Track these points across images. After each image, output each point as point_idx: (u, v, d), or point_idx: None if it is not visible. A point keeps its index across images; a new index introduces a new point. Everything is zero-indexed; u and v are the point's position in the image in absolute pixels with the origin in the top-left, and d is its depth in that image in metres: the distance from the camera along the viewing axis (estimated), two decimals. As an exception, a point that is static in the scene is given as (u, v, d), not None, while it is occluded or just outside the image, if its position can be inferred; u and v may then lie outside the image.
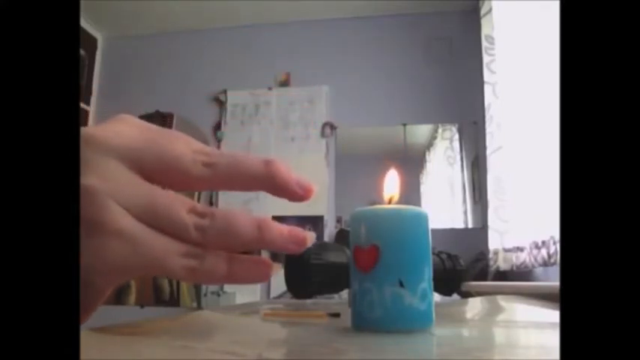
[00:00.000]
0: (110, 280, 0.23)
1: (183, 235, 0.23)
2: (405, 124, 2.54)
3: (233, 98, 2.70)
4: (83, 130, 0.23)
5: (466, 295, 1.00)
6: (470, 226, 2.40)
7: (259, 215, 0.25)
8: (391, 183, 0.37)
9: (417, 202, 2.42)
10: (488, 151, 2.04)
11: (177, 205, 0.23)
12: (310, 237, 0.26)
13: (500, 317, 0.54)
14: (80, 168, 0.22)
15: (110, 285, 0.24)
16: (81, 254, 0.21)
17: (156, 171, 0.24)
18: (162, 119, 2.74)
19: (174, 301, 2.50)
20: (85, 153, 0.23)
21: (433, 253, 0.71)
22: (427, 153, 2.56)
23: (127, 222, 0.22)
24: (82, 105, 2.62)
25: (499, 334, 0.36)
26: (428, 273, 0.33)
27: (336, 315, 0.44)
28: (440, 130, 2.53)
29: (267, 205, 2.47)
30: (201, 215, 0.23)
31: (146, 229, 0.22)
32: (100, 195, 0.22)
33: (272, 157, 0.26)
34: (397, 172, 0.38)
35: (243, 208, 2.51)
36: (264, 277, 0.25)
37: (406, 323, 0.32)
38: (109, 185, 0.22)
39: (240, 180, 0.25)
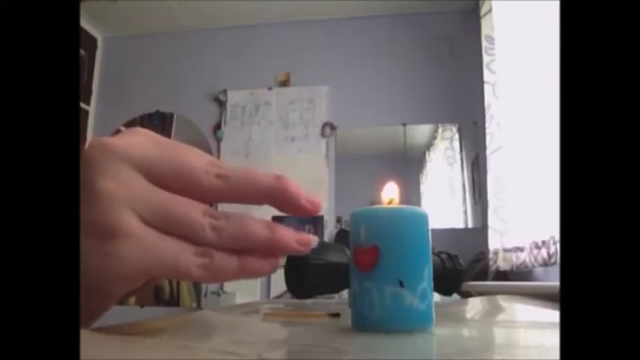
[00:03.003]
0: (122, 284, 0.23)
1: (200, 236, 0.23)
2: (405, 124, 2.54)
3: (233, 98, 2.70)
4: (98, 138, 0.24)
5: (466, 295, 1.00)
6: (470, 226, 2.40)
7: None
8: (390, 192, 0.37)
9: (417, 202, 2.42)
10: (488, 151, 2.03)
11: (193, 207, 0.24)
12: (314, 240, 0.27)
13: (500, 317, 0.54)
14: (95, 172, 0.23)
15: (122, 289, 0.24)
16: (93, 258, 0.21)
17: (169, 181, 0.24)
18: (162, 119, 2.74)
19: (174, 301, 2.50)
20: (101, 158, 0.23)
21: (433, 253, 0.71)
22: (427, 153, 2.56)
23: (138, 226, 0.22)
24: (82, 105, 2.62)
25: (499, 334, 0.36)
26: (428, 273, 0.33)
27: (336, 315, 0.44)
28: (440, 130, 2.53)
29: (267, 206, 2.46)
30: (216, 217, 0.24)
31: (158, 233, 0.23)
32: (113, 199, 0.22)
33: (281, 174, 0.27)
34: (396, 182, 0.38)
35: (245, 210, 2.51)
36: (274, 266, 0.26)
37: (406, 323, 0.32)
38: (123, 190, 0.22)
39: (250, 193, 0.26)
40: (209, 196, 0.25)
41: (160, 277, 0.25)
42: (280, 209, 0.27)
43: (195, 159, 0.25)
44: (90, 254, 0.22)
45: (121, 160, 0.23)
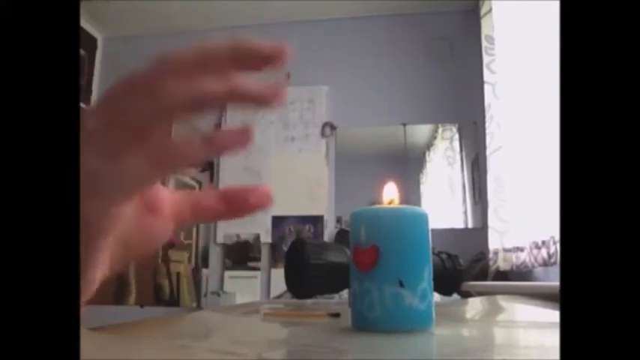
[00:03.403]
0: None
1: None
2: (405, 124, 2.54)
3: (233, 98, 2.69)
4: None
5: (466, 295, 1.00)
6: (470, 226, 2.40)
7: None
8: (390, 192, 0.37)
9: (417, 202, 2.42)
10: (488, 151, 2.03)
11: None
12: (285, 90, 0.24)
13: (500, 317, 0.54)
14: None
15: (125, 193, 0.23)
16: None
17: (124, 93, 0.24)
18: (162, 119, 2.73)
19: (174, 301, 2.50)
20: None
21: (433, 253, 0.71)
22: (427, 153, 2.56)
23: (90, 159, 0.22)
24: (82, 105, 2.62)
25: (499, 334, 0.36)
26: (428, 273, 0.33)
27: (336, 315, 0.44)
28: (440, 130, 2.53)
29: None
30: None
31: (107, 160, 0.22)
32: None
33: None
34: (396, 182, 0.38)
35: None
36: (248, 135, 0.24)
37: (406, 323, 0.32)
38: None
39: (206, 60, 0.24)
40: (163, 86, 0.23)
41: (123, 199, 0.24)
42: (246, 67, 0.24)
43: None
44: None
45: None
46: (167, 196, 0.27)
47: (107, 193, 0.22)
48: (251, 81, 0.23)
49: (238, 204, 0.28)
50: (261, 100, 0.24)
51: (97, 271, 0.24)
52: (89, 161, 0.22)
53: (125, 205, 0.24)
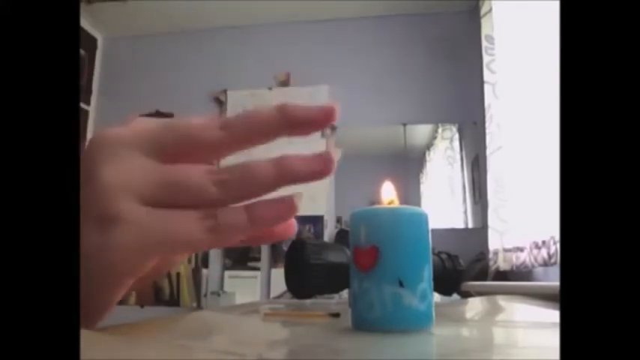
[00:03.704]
0: (125, 270, 0.23)
1: (203, 194, 0.23)
2: (405, 124, 2.54)
3: (233, 98, 2.70)
4: (100, 130, 0.24)
5: (466, 295, 1.01)
6: (470, 226, 2.40)
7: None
8: (389, 192, 0.37)
9: (417, 202, 2.42)
10: (488, 151, 2.03)
11: (193, 170, 0.23)
12: (336, 155, 0.25)
13: (500, 317, 0.54)
14: (97, 161, 0.23)
15: (127, 276, 0.23)
16: (94, 247, 0.22)
17: (172, 147, 0.24)
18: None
19: (174, 301, 2.50)
20: (102, 146, 0.23)
21: (433, 253, 0.72)
22: (427, 153, 2.56)
23: (137, 210, 0.22)
24: (82, 105, 2.62)
25: (499, 334, 0.36)
26: (428, 273, 0.33)
27: (336, 315, 0.44)
28: (440, 130, 2.53)
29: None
30: (218, 172, 0.23)
31: (160, 211, 0.22)
32: (112, 187, 0.22)
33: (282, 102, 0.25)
34: (393, 182, 0.38)
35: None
36: (291, 211, 0.24)
37: (406, 323, 0.32)
38: (123, 175, 0.22)
39: (258, 131, 0.25)
40: (217, 151, 0.25)
41: (169, 254, 0.25)
42: (294, 133, 0.25)
43: (196, 119, 0.24)
44: (91, 243, 0.22)
45: (122, 145, 0.23)
46: None
47: (153, 246, 0.22)
48: (299, 159, 0.24)
49: (261, 233, 0.27)
50: (312, 177, 0.24)
51: (115, 300, 0.25)
52: (135, 210, 0.22)
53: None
